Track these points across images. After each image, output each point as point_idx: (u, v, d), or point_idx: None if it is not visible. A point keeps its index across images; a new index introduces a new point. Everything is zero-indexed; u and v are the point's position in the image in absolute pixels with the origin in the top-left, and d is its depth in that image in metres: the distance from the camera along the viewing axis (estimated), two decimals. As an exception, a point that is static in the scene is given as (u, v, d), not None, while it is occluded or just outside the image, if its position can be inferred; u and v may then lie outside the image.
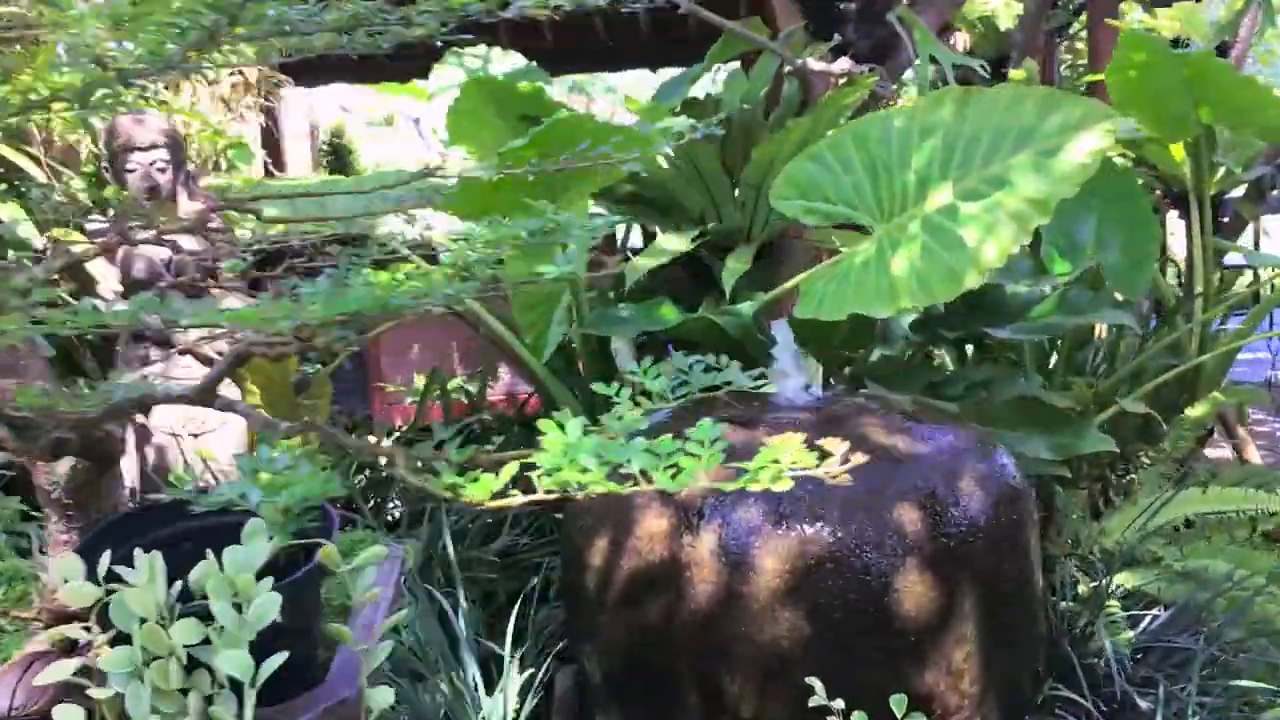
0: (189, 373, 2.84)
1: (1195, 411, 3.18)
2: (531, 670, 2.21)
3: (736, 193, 3.03)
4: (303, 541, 1.34)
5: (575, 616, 2.09)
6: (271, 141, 4.89)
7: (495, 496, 0.92)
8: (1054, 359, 3.47)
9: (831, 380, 2.89)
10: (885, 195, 2.47)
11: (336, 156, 9.91)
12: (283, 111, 5.04)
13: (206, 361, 2.82)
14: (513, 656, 2.24)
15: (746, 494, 1.83)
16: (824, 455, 0.97)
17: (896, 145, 2.47)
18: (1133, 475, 3.15)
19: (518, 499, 0.93)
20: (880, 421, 2.02)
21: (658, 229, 3.03)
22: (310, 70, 5.41)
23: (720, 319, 2.53)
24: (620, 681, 1.98)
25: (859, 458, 0.98)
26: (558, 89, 3.39)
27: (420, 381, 4.07)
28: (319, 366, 3.66)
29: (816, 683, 1.59)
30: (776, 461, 0.94)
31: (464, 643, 2.19)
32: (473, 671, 2.14)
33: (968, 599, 1.83)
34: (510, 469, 0.94)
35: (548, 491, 0.90)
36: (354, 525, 2.81)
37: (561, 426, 0.96)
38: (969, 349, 3.42)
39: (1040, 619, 2.05)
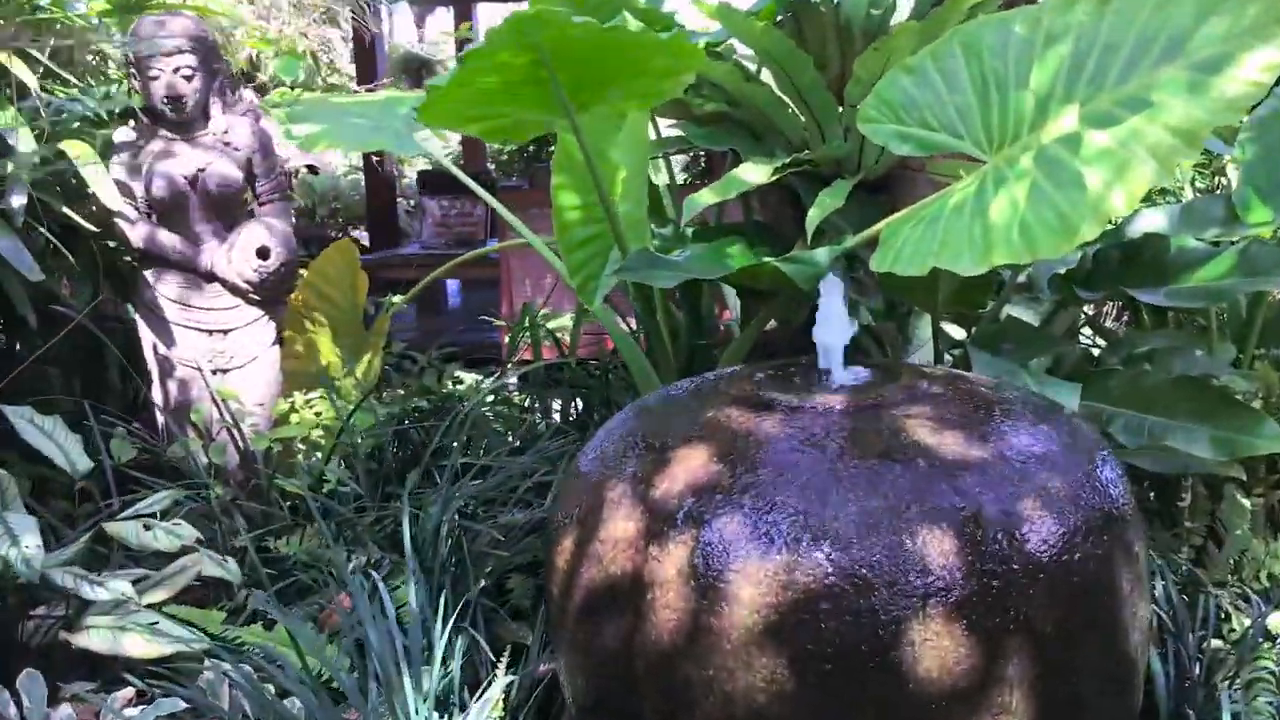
0: (218, 301, 2.65)
1: None
2: (513, 677, 1.93)
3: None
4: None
5: (546, 626, 1.78)
6: (365, 54, 4.67)
7: None
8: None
9: (939, 346, 2.44)
10: (997, 120, 2.01)
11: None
12: (385, 25, 4.81)
13: (235, 291, 2.63)
14: (497, 662, 1.96)
15: (731, 497, 1.47)
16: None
17: (1014, 56, 1.99)
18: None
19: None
20: (932, 412, 1.60)
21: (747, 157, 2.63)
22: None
23: (787, 267, 2.13)
24: (584, 708, 1.66)
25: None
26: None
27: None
28: (396, 298, 3.45)
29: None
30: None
31: (435, 639, 1.92)
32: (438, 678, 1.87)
33: (1015, 658, 1.41)
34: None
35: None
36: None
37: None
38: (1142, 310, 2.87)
39: (1134, 686, 1.59)
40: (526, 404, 3.42)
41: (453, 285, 9.00)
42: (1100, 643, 1.50)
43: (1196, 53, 1.76)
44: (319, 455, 2.66)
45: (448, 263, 3.62)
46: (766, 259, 2.18)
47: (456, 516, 2.44)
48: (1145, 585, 1.59)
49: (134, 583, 1.89)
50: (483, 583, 2.22)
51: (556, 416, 3.43)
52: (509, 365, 3.57)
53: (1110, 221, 1.96)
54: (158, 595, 1.94)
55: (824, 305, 1.73)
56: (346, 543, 2.43)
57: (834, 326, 1.74)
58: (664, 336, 2.56)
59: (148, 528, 1.93)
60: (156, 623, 1.87)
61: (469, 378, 3.92)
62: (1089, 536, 1.48)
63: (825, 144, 2.60)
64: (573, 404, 3.39)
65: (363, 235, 8.97)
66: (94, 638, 1.85)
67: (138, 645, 1.84)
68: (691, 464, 1.55)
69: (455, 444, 3.02)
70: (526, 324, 3.48)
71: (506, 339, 3.75)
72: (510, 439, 3.21)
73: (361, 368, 3.10)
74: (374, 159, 7.74)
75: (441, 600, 2.15)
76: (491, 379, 3.63)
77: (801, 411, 1.61)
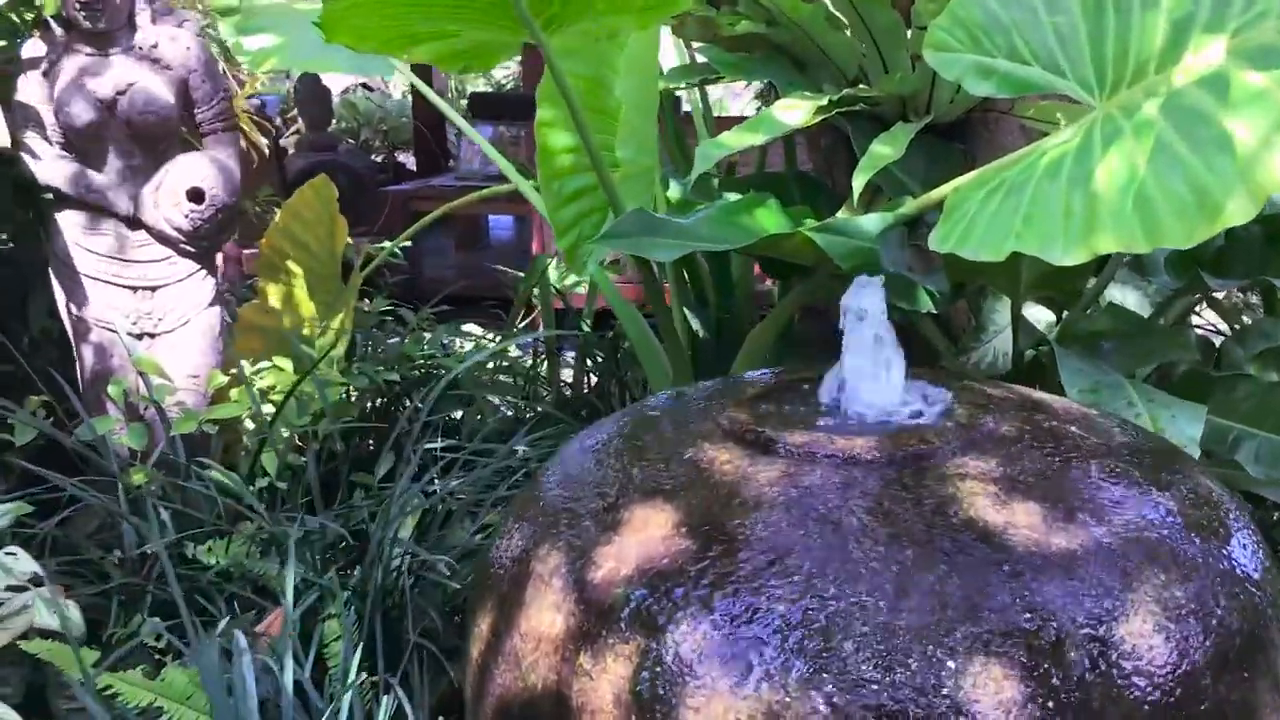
0: (144, 252, 2.25)
1: None
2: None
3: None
4: None
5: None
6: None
7: None
8: None
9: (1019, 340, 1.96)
10: (1112, 50, 1.53)
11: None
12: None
13: (164, 240, 2.22)
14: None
15: (696, 593, 1.03)
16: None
17: (1141, -38, 1.49)
18: None
19: None
20: (998, 469, 1.14)
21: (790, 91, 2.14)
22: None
23: (823, 238, 1.67)
24: None
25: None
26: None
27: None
28: (388, 243, 3.04)
29: None
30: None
31: None
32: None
33: None
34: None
35: None
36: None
37: None
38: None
39: None
40: (533, 371, 3.01)
41: (503, 220, 8.58)
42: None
43: None
44: (269, 438, 2.27)
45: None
46: (799, 228, 1.72)
47: (408, 530, 2.05)
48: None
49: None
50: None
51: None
52: (515, 326, 3.16)
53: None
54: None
55: (851, 319, 1.27)
56: (280, 551, 2.04)
57: (864, 345, 1.28)
58: (673, 317, 2.11)
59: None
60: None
61: (474, 335, 3.52)
62: (1224, 671, 1.03)
63: (887, 76, 2.11)
64: (585, 375, 2.97)
65: (410, 160, 8.60)
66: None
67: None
68: (648, 534, 1.12)
69: (436, 423, 2.63)
70: (536, 277, 3.05)
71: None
72: (509, 414, 2.81)
73: (335, 324, 2.71)
74: (421, 77, 7.33)
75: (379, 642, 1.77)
76: (498, 340, 3.22)
77: (812, 460, 1.17)
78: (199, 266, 2.27)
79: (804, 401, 1.37)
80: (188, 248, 2.23)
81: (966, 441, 1.19)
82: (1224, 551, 1.11)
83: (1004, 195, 1.49)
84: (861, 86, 2.07)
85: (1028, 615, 0.99)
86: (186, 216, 2.17)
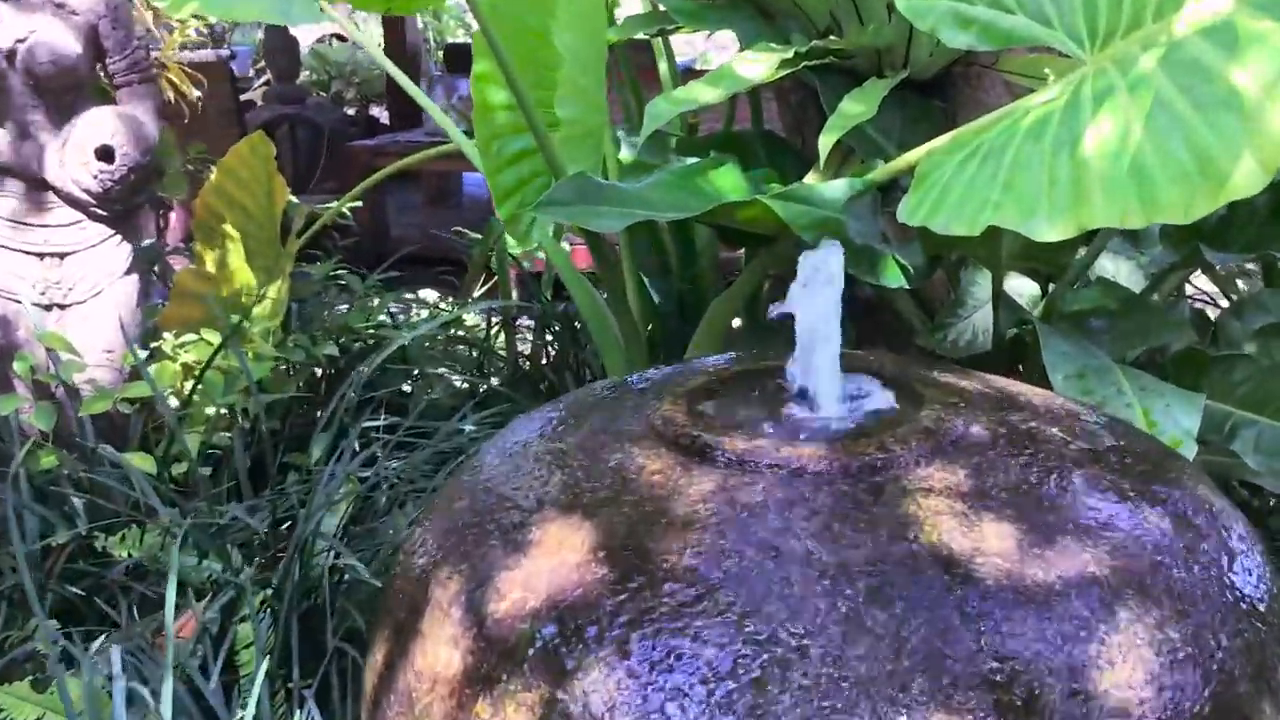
0: (51, 216, 2.08)
1: None
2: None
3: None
4: None
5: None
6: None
7: None
8: None
9: (1000, 319, 1.81)
10: (1105, -2, 1.36)
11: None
12: None
13: (72, 202, 2.05)
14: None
15: (611, 633, 0.89)
16: None
17: (1139, -105, 1.33)
18: None
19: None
20: (966, 481, 1.00)
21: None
22: None
23: (783, 206, 1.51)
24: None
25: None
26: None
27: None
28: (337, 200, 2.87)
29: None
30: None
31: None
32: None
33: None
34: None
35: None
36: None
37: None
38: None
39: None
40: (487, 344, 2.85)
41: (477, 177, 8.38)
42: None
43: None
44: (189, 418, 2.12)
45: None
46: (759, 195, 1.57)
47: (338, 519, 1.90)
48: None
49: None
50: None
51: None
52: (471, 293, 2.99)
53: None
54: None
55: (804, 293, 1.12)
56: (197, 544, 1.89)
57: (818, 329, 1.13)
58: (627, 290, 1.96)
59: None
60: None
61: (429, 302, 3.36)
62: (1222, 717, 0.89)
63: (861, 27, 1.94)
64: (545, 348, 2.81)
65: (383, 114, 8.38)
66: None
67: None
68: (562, 559, 0.97)
69: (381, 399, 2.48)
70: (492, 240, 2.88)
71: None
72: (463, 388, 2.65)
73: (272, 293, 2.54)
74: (393, 28, 7.10)
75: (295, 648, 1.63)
76: (451, 309, 3.05)
77: (753, 471, 1.02)
78: (112, 231, 2.10)
79: (754, 396, 1.22)
80: (98, 210, 2.06)
81: (932, 448, 1.04)
82: (1226, 580, 0.97)
83: (981, 160, 1.34)
84: (832, 38, 1.91)
85: (996, 664, 0.84)
86: (95, 177, 2.00)
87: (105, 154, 2.00)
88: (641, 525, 0.97)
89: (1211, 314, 2.39)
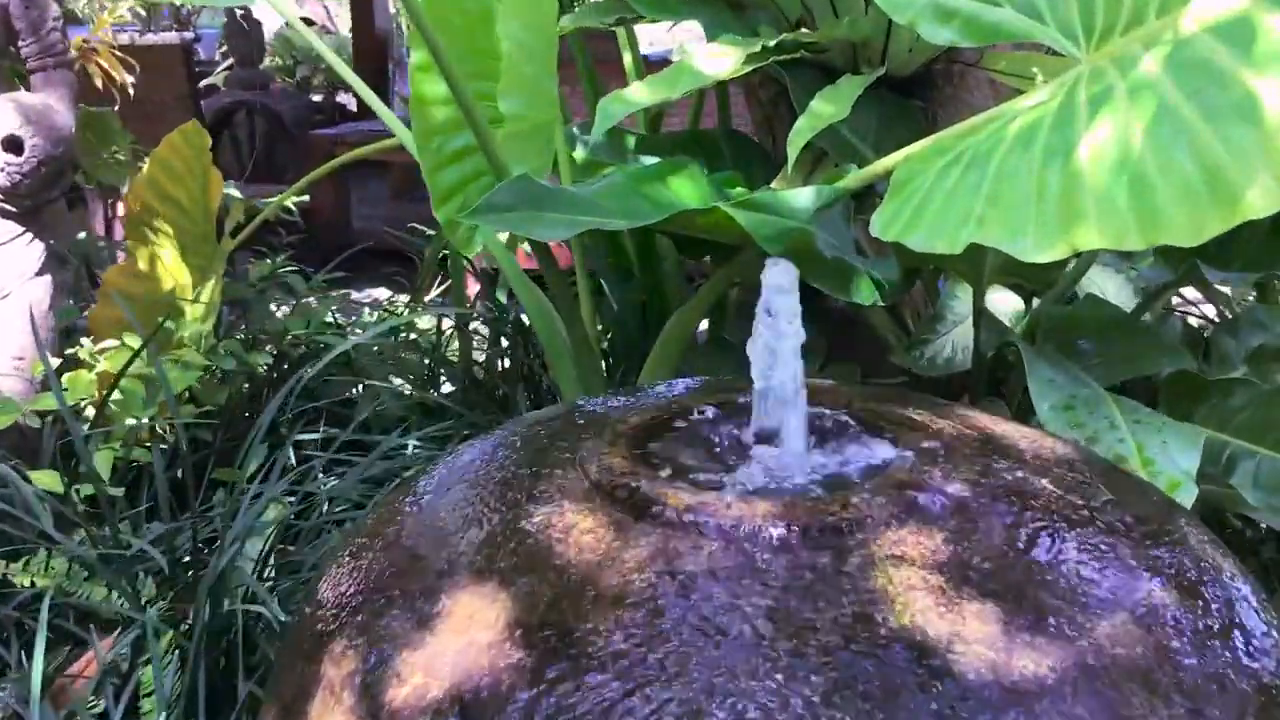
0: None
1: None
2: None
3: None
4: None
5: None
6: None
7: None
8: None
9: (982, 338, 1.69)
10: (1104, -12, 1.23)
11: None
12: None
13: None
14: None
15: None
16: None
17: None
18: None
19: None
20: (945, 548, 0.86)
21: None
22: None
23: (745, 215, 1.38)
24: None
25: None
26: None
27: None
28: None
29: None
30: None
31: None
32: None
33: None
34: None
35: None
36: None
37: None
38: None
39: None
40: (437, 351, 2.70)
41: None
42: None
43: None
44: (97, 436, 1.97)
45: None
46: (720, 203, 1.43)
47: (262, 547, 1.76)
48: None
49: None
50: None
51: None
52: (423, 295, 2.84)
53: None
54: None
55: (763, 319, 0.98)
56: (105, 573, 1.74)
57: (779, 358, 0.99)
58: (580, 299, 1.82)
59: None
60: None
61: (381, 302, 3.21)
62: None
63: (835, 19, 1.81)
64: (500, 357, 2.67)
65: (351, 101, 8.21)
66: None
67: None
68: (472, 637, 0.83)
69: (323, 410, 2.33)
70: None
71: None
72: (414, 400, 2.50)
73: (205, 296, 2.39)
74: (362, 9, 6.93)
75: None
76: (403, 312, 2.91)
77: (698, 533, 0.88)
78: (22, 229, 1.95)
79: (707, 436, 1.08)
80: (6, 206, 1.91)
81: (905, 506, 0.91)
82: (1244, 665, 0.84)
83: (964, 168, 1.21)
84: (804, 31, 1.77)
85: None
86: (2, 170, 1.85)
87: (13, 145, 1.85)
88: (566, 599, 0.84)
89: (1197, 323, 2.29)
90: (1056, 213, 1.09)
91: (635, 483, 0.94)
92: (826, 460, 1.01)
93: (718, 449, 1.05)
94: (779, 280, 0.98)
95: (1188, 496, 1.27)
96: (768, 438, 1.01)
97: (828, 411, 1.07)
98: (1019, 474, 1.00)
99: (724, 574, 0.84)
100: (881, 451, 1.02)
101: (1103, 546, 0.90)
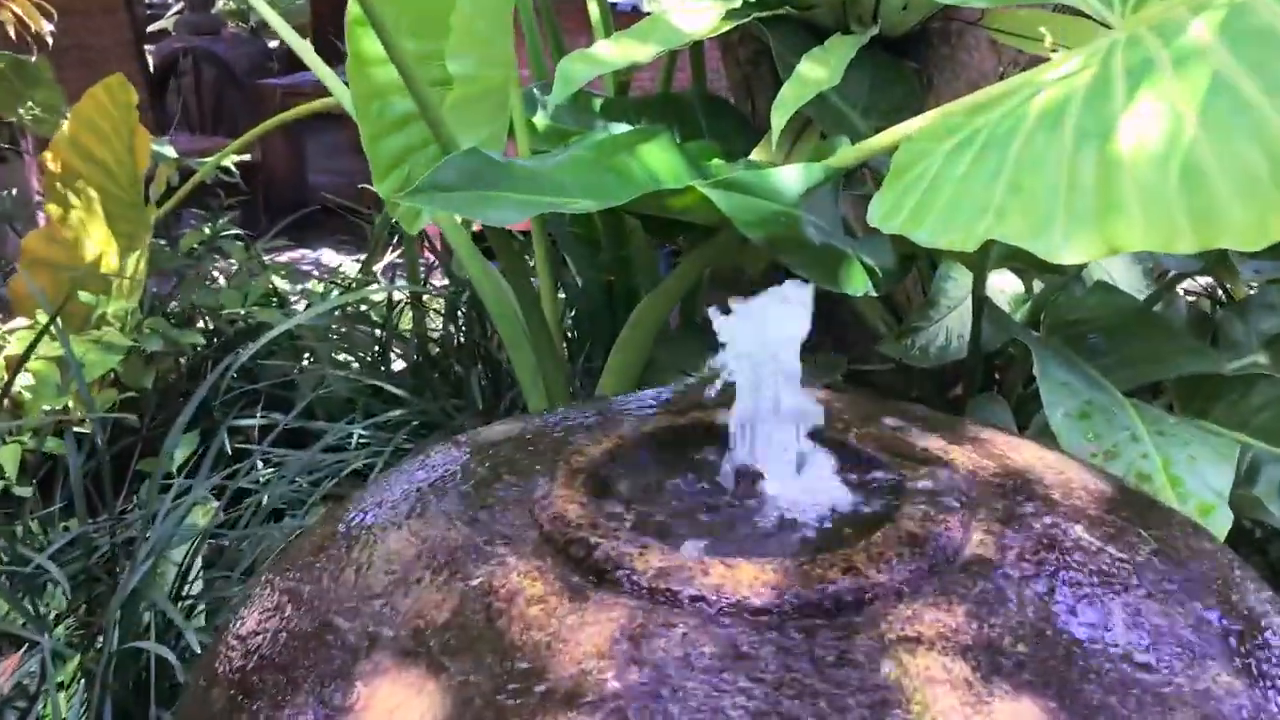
0: None
1: None
2: None
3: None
4: None
5: None
6: None
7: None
8: None
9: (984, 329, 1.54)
10: (1143, -58, 1.07)
11: None
12: None
13: None
14: None
15: None
16: None
17: None
18: None
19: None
20: (971, 625, 0.72)
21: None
22: None
23: (723, 196, 1.22)
24: None
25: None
26: None
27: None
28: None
29: None
30: None
31: None
32: None
33: None
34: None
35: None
36: None
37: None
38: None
39: None
40: (386, 329, 2.52)
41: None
42: None
43: None
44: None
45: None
46: (694, 182, 1.27)
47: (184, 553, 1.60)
48: None
49: None
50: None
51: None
52: (372, 265, 2.67)
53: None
54: None
55: (751, 331, 0.83)
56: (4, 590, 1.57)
57: (769, 382, 0.84)
58: (542, 278, 1.66)
59: None
60: None
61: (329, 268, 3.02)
62: None
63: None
64: (456, 334, 2.49)
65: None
66: None
67: None
68: (392, 743, 0.68)
69: (261, 393, 2.16)
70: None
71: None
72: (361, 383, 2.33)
73: (130, 267, 2.21)
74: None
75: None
76: (351, 285, 2.73)
77: (671, 607, 0.73)
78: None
79: (680, 469, 0.93)
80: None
81: (920, 568, 0.76)
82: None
83: (979, 151, 1.05)
84: (788, -15, 1.60)
85: None
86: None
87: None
88: (505, 693, 0.68)
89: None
90: (1091, 206, 0.94)
91: (594, 538, 0.78)
92: (821, 504, 0.85)
93: (692, 490, 0.89)
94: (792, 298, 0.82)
95: (1221, 525, 1.13)
96: (752, 477, 0.86)
97: (823, 444, 0.91)
98: (1048, 520, 0.85)
99: (701, 664, 0.69)
100: (887, 492, 0.87)
101: (1155, 620, 0.76)
